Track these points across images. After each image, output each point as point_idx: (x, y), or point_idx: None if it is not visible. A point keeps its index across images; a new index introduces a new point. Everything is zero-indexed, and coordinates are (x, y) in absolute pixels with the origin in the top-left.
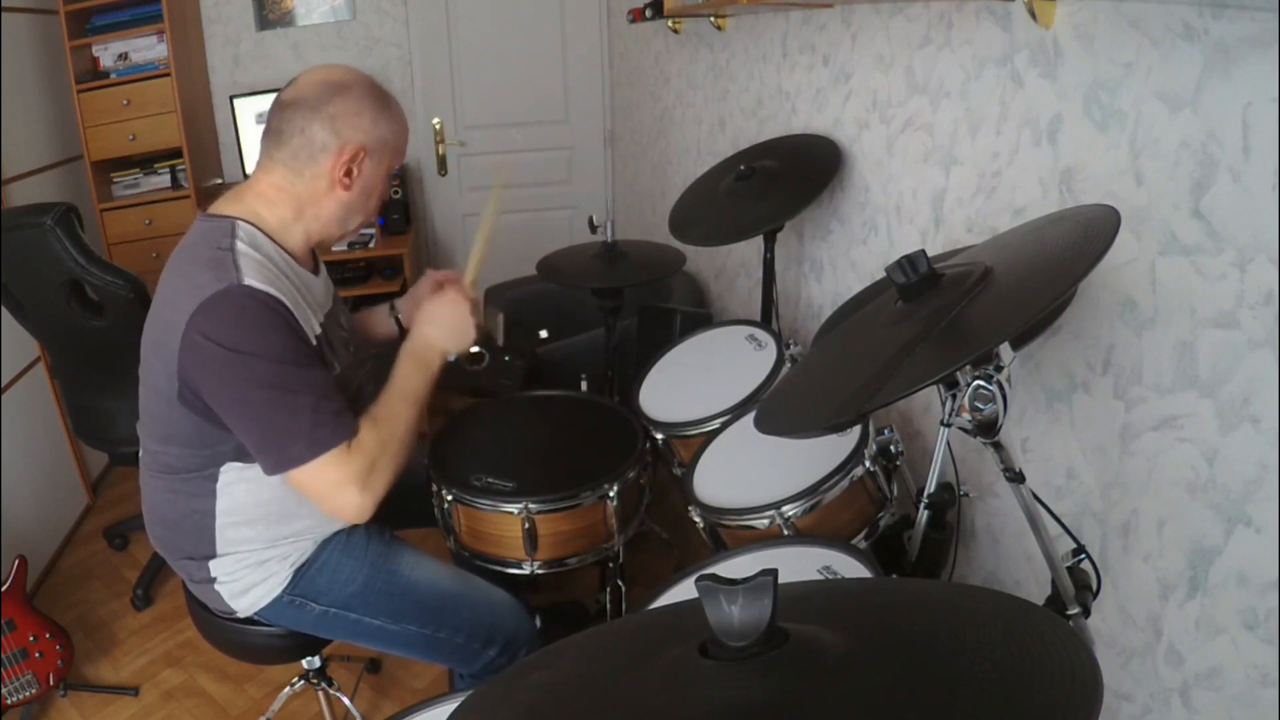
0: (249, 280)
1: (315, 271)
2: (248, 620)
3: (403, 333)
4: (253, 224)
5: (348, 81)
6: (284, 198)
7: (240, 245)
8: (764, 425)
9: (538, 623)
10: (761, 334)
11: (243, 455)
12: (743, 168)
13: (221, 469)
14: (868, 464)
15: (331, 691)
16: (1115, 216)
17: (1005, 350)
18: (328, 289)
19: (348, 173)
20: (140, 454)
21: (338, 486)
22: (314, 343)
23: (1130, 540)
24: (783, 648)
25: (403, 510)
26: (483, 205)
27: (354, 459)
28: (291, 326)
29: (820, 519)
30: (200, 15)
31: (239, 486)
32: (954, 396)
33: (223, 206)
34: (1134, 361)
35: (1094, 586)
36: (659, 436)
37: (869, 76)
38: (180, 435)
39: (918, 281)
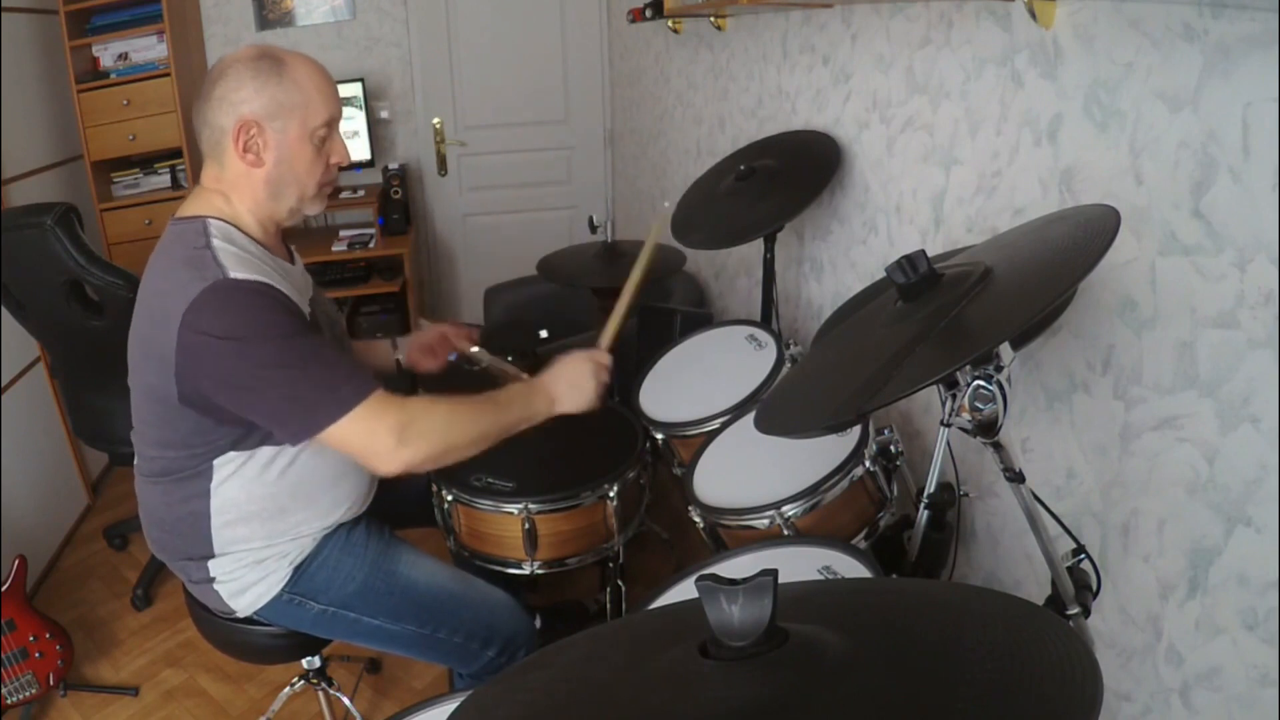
0: (234, 273)
1: (290, 260)
2: (247, 620)
3: (400, 371)
4: (223, 220)
5: (229, 61)
6: (227, 189)
7: (217, 242)
8: (764, 425)
9: (538, 623)
10: (761, 334)
11: (238, 445)
12: (743, 168)
13: (215, 464)
14: (868, 464)
15: (331, 691)
16: (1115, 216)
17: (1005, 350)
18: (305, 278)
19: (246, 148)
20: (135, 460)
21: (371, 435)
22: (307, 316)
23: (1130, 540)
24: (783, 648)
25: (403, 510)
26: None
27: (388, 410)
28: (284, 304)
29: (820, 519)
30: (200, 15)
31: (232, 483)
32: (954, 396)
33: (190, 208)
34: (1134, 361)
35: (1094, 586)
36: (659, 436)
37: (869, 76)
38: (177, 437)
39: (918, 281)
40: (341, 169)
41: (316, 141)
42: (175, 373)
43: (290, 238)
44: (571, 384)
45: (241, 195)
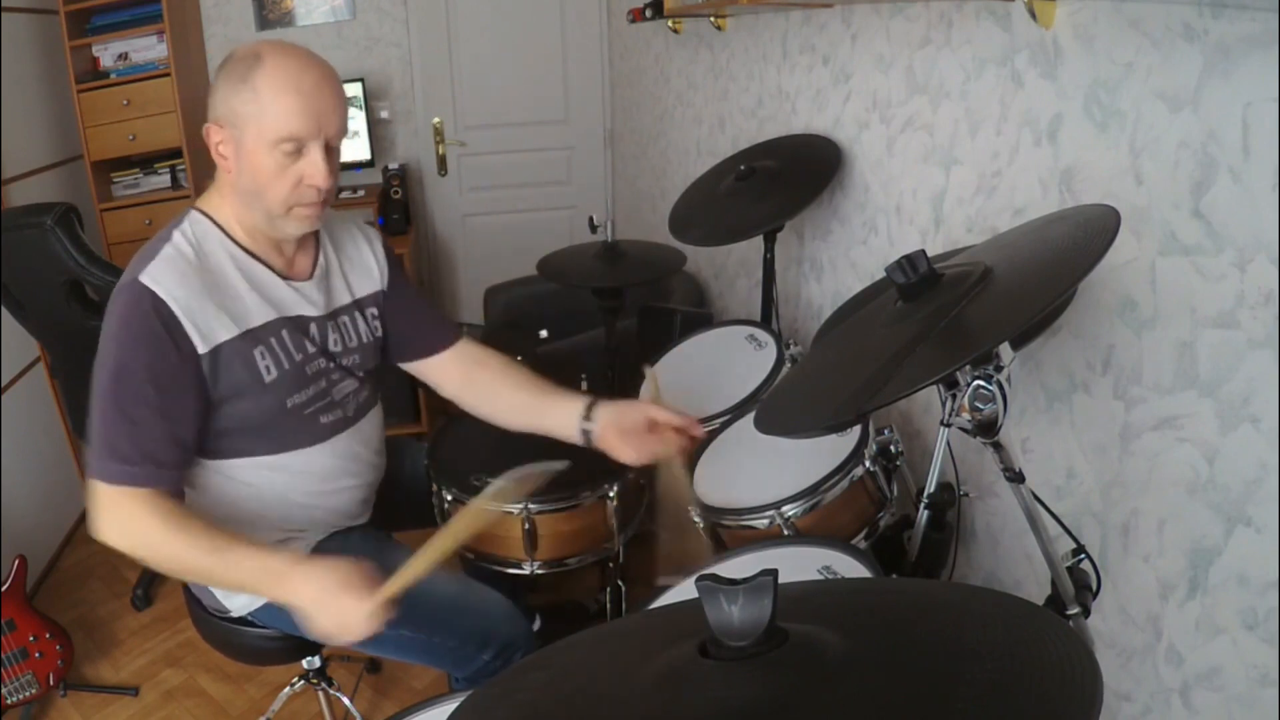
0: (145, 276)
1: (297, 275)
2: (246, 621)
3: (588, 443)
4: (208, 216)
5: (230, 55)
6: (218, 185)
7: (177, 236)
8: (764, 425)
9: (537, 623)
10: (761, 334)
11: (204, 452)
12: (743, 168)
13: (196, 470)
14: (868, 464)
15: (331, 691)
16: (1115, 216)
17: (1005, 350)
18: (319, 294)
19: (216, 150)
20: None
21: (96, 512)
22: (201, 350)
23: (1130, 540)
24: (783, 648)
25: (401, 512)
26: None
27: (121, 506)
28: (156, 333)
29: (820, 519)
30: (200, 15)
31: (212, 481)
32: (954, 396)
33: (202, 198)
34: (1134, 361)
35: (1094, 586)
36: None
37: (869, 76)
38: None
39: (918, 281)
40: (326, 188)
41: (279, 156)
42: None
43: None
44: (329, 618)
45: (229, 196)
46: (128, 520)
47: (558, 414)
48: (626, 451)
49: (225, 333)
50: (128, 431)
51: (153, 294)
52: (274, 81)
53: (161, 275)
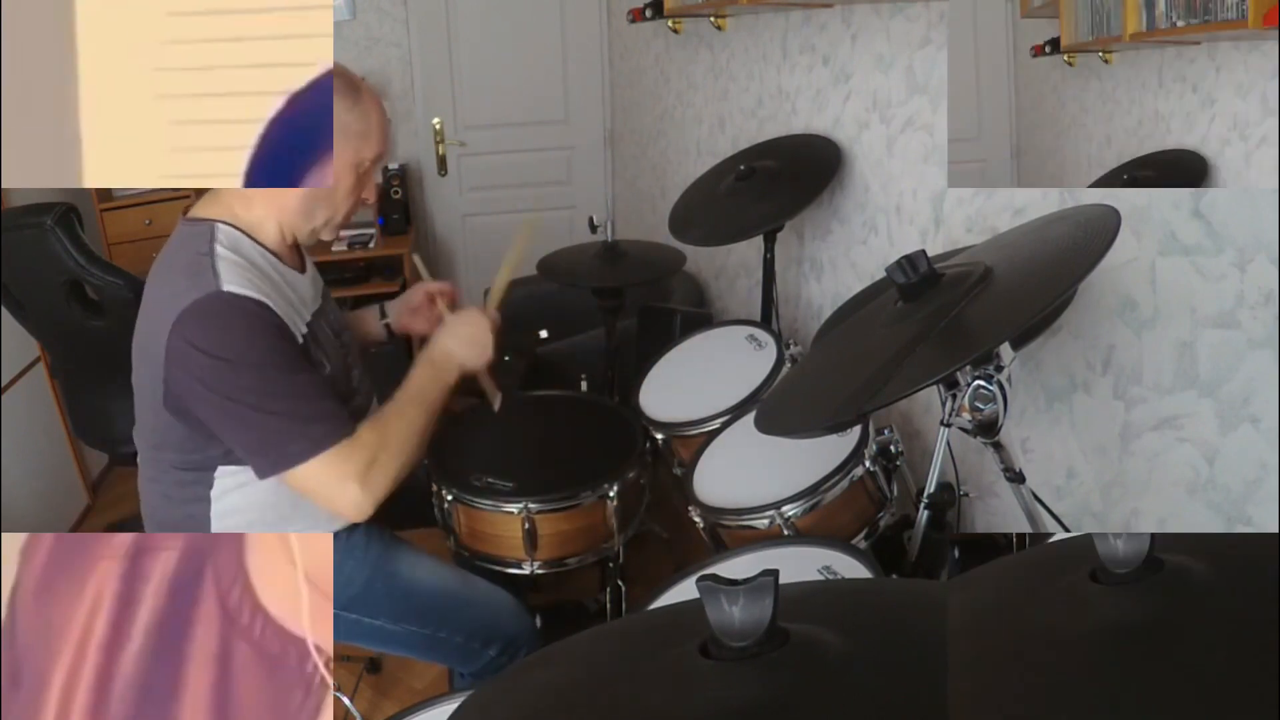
0: (228, 286)
1: (302, 269)
2: None
3: (391, 337)
4: (232, 225)
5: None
6: (253, 192)
7: (220, 249)
8: (764, 425)
9: (538, 622)
10: (761, 334)
11: (234, 459)
12: (743, 168)
13: (215, 474)
14: (868, 464)
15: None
16: (1115, 216)
17: (1005, 350)
18: (316, 286)
19: None
20: (138, 459)
21: (338, 483)
22: (301, 341)
23: None
24: (783, 648)
25: (402, 510)
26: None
27: (354, 454)
28: (277, 328)
29: (820, 519)
30: None
31: (234, 492)
32: (954, 396)
33: (202, 208)
34: (1134, 361)
35: None
36: (659, 436)
37: (869, 76)
38: (171, 441)
39: (918, 281)
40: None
41: (357, 174)
42: (164, 377)
43: None
44: (467, 340)
45: (269, 200)
46: (365, 469)
47: (368, 322)
48: (417, 324)
49: (303, 328)
50: (308, 393)
51: (249, 298)
52: (376, 108)
53: (242, 281)
